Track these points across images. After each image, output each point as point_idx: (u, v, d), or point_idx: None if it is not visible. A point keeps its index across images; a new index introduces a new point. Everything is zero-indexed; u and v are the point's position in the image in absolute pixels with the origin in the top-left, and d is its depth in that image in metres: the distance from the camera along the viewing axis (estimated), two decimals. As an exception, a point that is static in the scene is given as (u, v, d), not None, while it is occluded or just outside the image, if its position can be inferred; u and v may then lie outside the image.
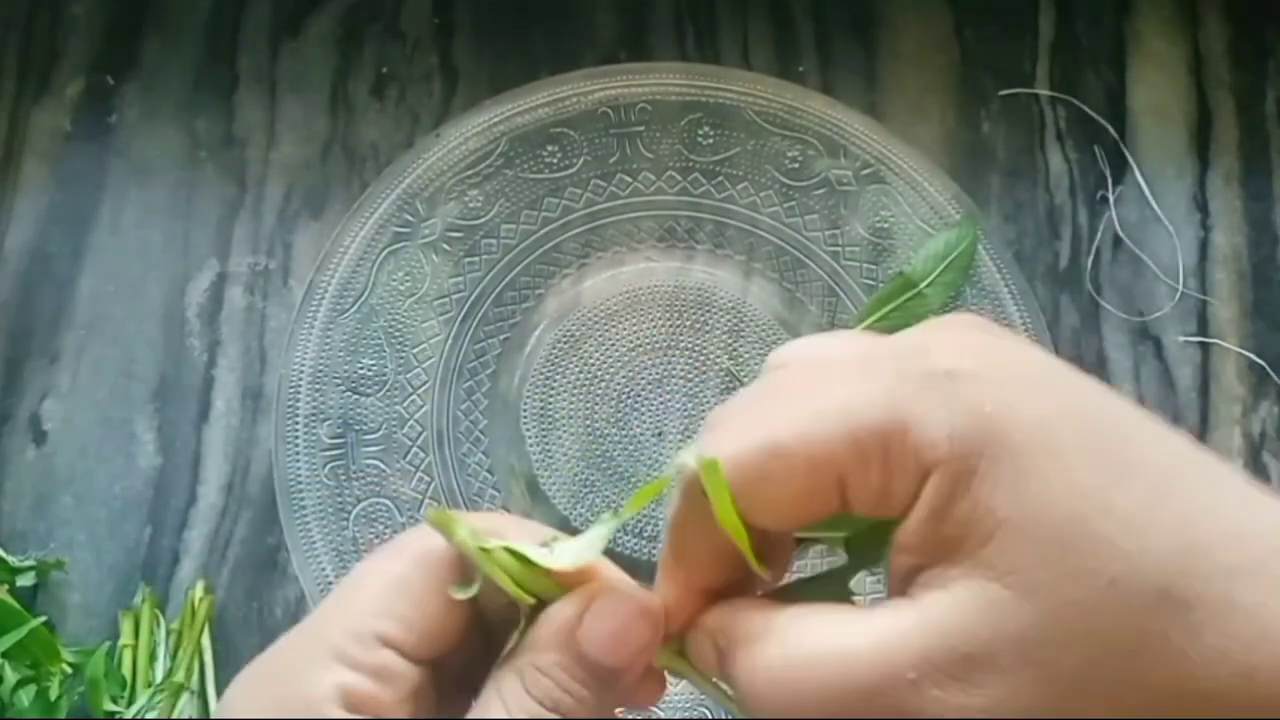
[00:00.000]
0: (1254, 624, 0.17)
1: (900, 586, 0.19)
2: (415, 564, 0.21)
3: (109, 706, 0.41)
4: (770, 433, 0.19)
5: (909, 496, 0.18)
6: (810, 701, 0.19)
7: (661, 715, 0.43)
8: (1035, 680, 0.17)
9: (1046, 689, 0.17)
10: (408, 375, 0.46)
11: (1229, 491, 0.19)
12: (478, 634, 0.22)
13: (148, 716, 0.41)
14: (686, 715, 0.43)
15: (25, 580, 0.44)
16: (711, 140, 0.47)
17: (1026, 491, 0.18)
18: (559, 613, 0.21)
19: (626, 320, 0.47)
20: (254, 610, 0.45)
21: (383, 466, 0.45)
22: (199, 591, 0.44)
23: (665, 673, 0.23)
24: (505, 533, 0.21)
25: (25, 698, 0.40)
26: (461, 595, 0.20)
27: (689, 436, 0.46)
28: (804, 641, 0.19)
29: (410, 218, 0.46)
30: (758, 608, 0.20)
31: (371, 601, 0.20)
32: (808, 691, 0.19)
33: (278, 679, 0.19)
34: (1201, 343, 0.48)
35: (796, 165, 0.47)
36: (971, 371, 0.19)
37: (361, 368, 0.45)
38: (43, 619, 0.42)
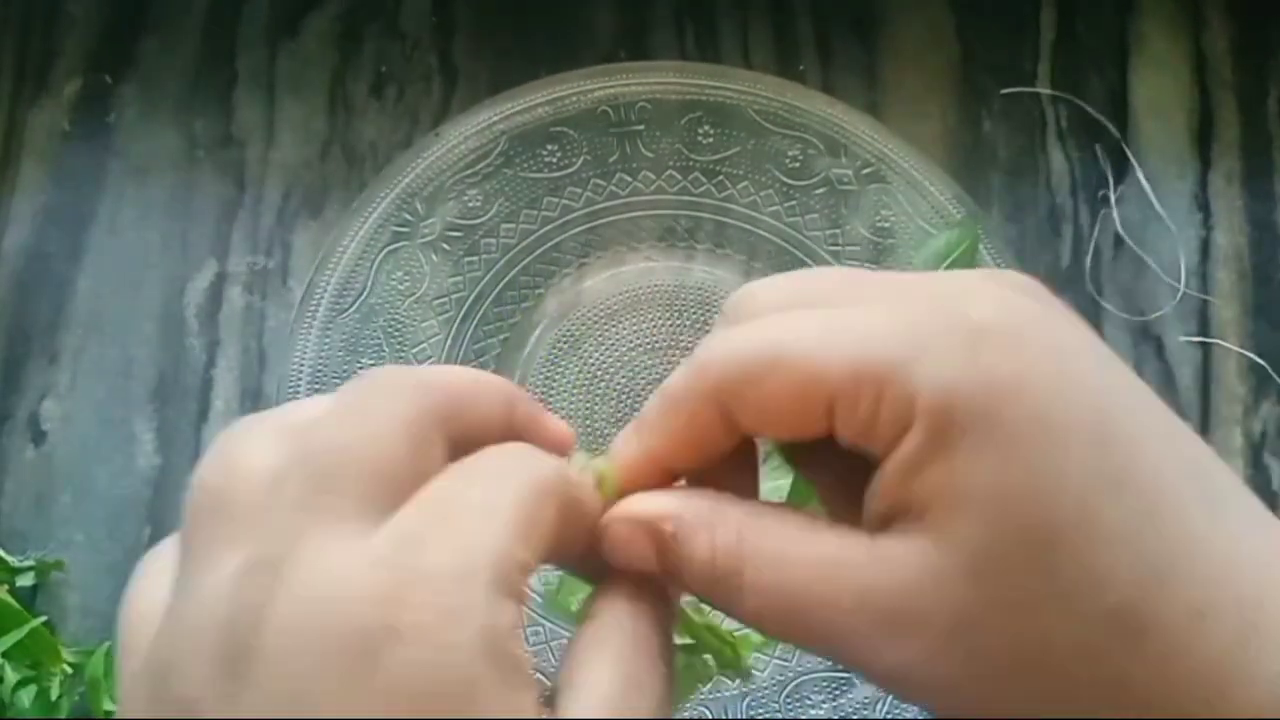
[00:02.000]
0: (1209, 673, 0.17)
1: (872, 527, 0.19)
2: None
3: (109, 706, 0.41)
4: (777, 342, 0.19)
5: (891, 440, 0.18)
6: (749, 599, 0.19)
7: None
8: (960, 657, 0.18)
9: (968, 668, 0.18)
10: (407, 375, 0.45)
11: (1228, 519, 0.18)
12: None
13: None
14: (686, 715, 0.43)
15: (25, 580, 0.44)
16: (711, 139, 0.47)
17: (1005, 477, 0.17)
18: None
19: (626, 320, 0.47)
20: (253, 611, 0.45)
21: (382, 467, 0.44)
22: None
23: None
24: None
25: (26, 698, 0.40)
26: None
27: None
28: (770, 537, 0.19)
29: (409, 217, 0.46)
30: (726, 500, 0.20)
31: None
32: (748, 587, 0.19)
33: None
34: (1202, 342, 0.48)
35: (797, 164, 0.47)
36: (1001, 332, 0.18)
37: (361, 367, 0.45)
38: (43, 619, 0.42)
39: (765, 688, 0.43)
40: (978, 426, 0.17)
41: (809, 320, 0.19)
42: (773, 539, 0.19)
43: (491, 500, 0.17)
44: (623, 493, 0.21)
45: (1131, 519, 0.17)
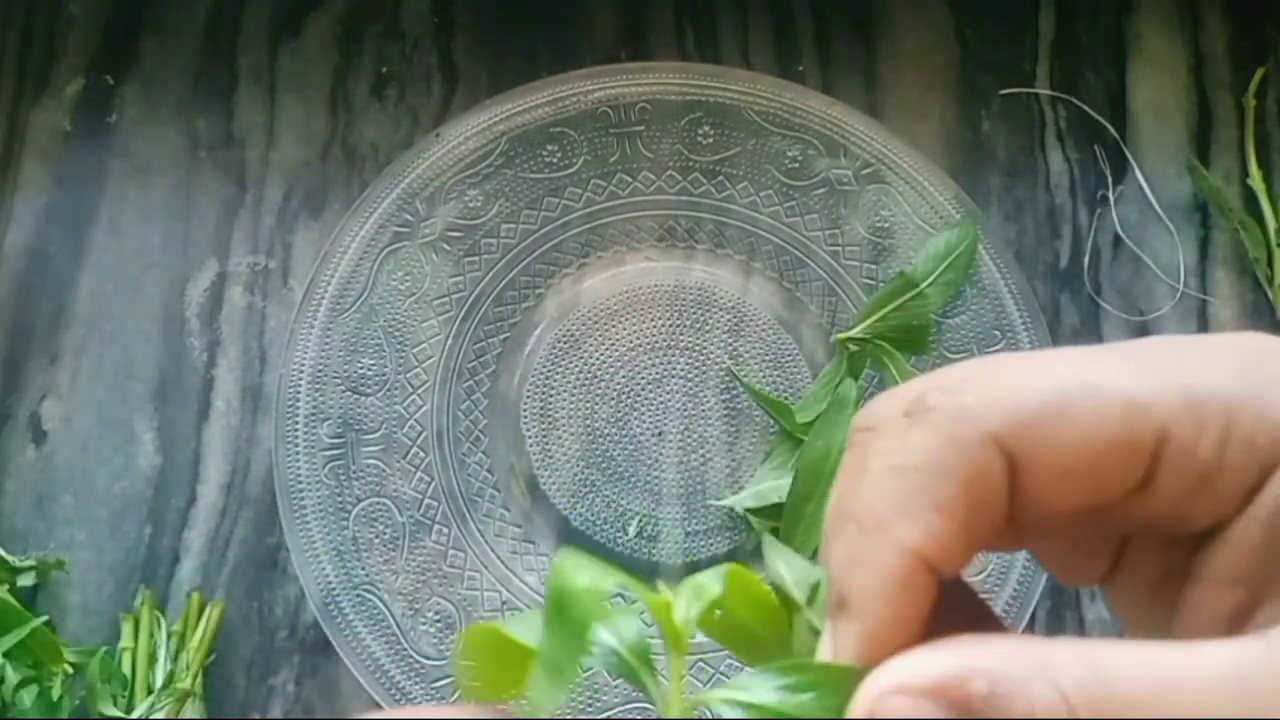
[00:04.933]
0: None
1: (1220, 630, 0.15)
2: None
3: (110, 711, 0.41)
4: (1077, 375, 0.15)
5: (1240, 490, 0.15)
6: None
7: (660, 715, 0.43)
8: None
9: None
10: (408, 375, 0.46)
11: None
12: None
13: (149, 718, 0.41)
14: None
15: (25, 580, 0.44)
16: (711, 140, 0.47)
17: None
18: None
19: (626, 320, 0.47)
20: (254, 610, 0.45)
21: (383, 466, 0.45)
22: (211, 608, 0.44)
23: None
24: None
25: (27, 698, 0.40)
26: None
27: (689, 436, 0.46)
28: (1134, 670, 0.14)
29: (410, 217, 0.46)
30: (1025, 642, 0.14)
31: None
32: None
33: None
34: (1201, 342, 0.48)
35: (796, 165, 0.47)
36: None
37: (361, 367, 0.45)
38: (44, 619, 0.42)
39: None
40: None
41: (1107, 356, 0.16)
42: (1135, 669, 0.14)
43: None
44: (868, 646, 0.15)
45: None
